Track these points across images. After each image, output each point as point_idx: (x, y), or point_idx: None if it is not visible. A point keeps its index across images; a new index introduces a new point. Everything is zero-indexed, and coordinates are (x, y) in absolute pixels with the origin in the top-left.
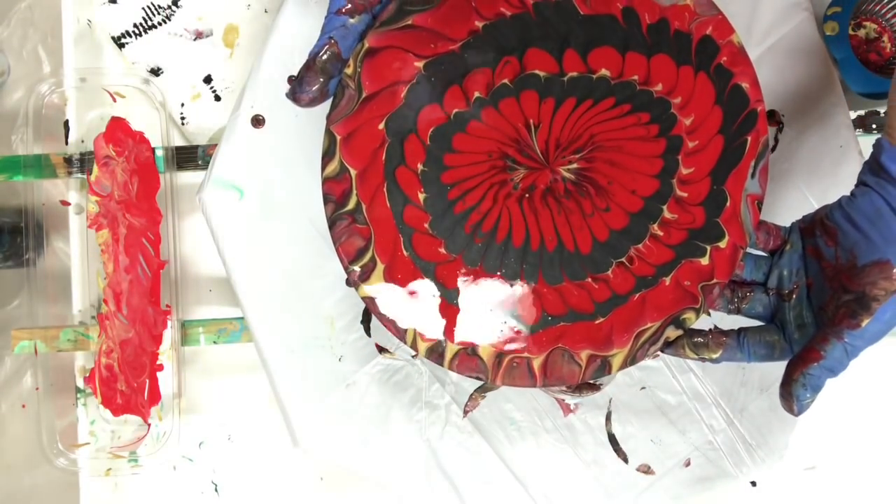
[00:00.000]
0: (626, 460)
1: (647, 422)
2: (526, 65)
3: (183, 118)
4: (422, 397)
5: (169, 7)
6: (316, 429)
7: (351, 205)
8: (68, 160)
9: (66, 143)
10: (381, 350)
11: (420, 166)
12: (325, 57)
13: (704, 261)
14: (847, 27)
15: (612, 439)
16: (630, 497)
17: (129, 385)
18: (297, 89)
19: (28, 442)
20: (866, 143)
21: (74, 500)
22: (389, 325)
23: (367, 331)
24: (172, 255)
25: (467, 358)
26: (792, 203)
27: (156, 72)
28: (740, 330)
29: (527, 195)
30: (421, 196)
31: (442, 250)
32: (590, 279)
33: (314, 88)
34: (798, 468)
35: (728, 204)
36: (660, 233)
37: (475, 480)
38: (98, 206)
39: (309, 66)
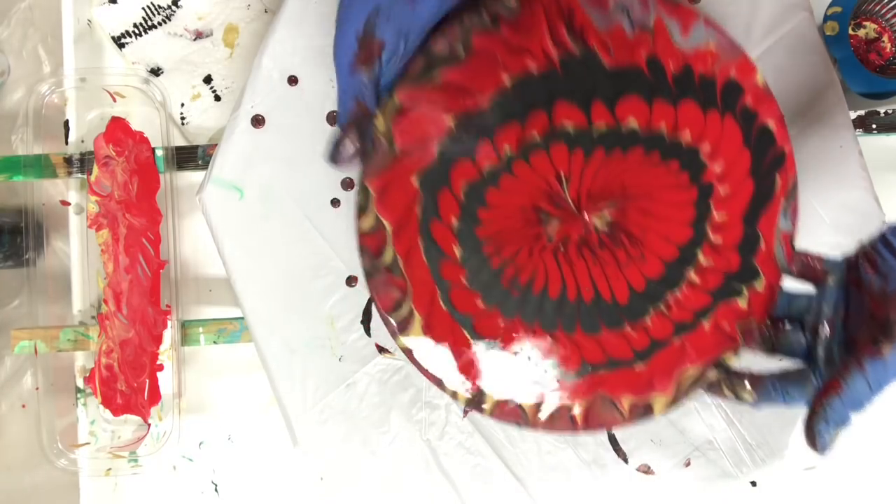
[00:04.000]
0: (626, 460)
1: (647, 422)
2: (554, 118)
3: (183, 118)
4: (422, 397)
5: (169, 7)
6: (316, 429)
7: (387, 258)
8: (68, 160)
9: (66, 143)
10: (381, 350)
11: (454, 221)
12: (358, 121)
13: (742, 302)
14: (847, 27)
15: (612, 439)
16: (630, 497)
17: (129, 385)
18: (337, 155)
19: (28, 442)
20: (866, 143)
21: (74, 500)
22: (429, 374)
23: (367, 331)
24: (172, 255)
25: (508, 408)
26: None
27: (156, 72)
28: (772, 376)
29: (561, 247)
30: (457, 251)
31: (479, 303)
32: (628, 327)
33: (353, 152)
34: (798, 468)
35: (762, 245)
36: (696, 279)
37: (475, 480)
38: (98, 206)
39: (345, 131)
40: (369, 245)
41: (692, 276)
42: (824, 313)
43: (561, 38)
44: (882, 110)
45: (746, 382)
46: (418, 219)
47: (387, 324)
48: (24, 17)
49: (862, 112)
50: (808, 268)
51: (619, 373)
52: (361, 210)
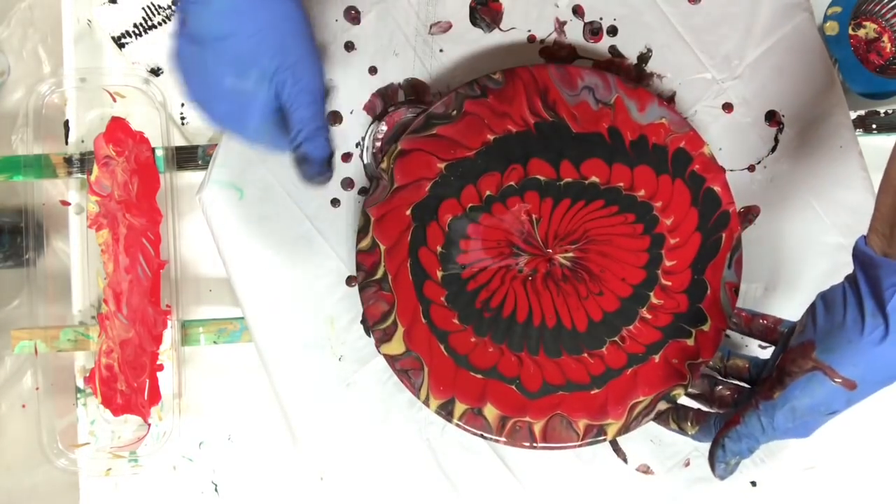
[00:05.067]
0: (625, 460)
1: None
2: (529, 171)
3: (183, 118)
4: None
5: (169, 7)
6: (316, 428)
7: (379, 274)
8: (68, 160)
9: (66, 143)
10: None
11: (439, 248)
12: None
13: (690, 342)
14: (847, 27)
15: (613, 440)
16: (630, 497)
17: (129, 385)
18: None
19: (28, 442)
20: (866, 143)
21: (74, 500)
22: (405, 379)
23: (367, 330)
24: (172, 255)
25: (474, 417)
26: (792, 204)
27: (156, 72)
28: (716, 414)
29: (530, 278)
30: (439, 273)
31: (455, 321)
32: (586, 354)
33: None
34: (798, 468)
35: (708, 292)
36: (648, 316)
37: (475, 480)
38: (98, 206)
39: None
40: (365, 262)
41: (644, 313)
42: (769, 366)
43: (537, 108)
44: (882, 110)
45: (692, 417)
46: (408, 243)
47: (373, 333)
48: (24, 17)
49: (862, 112)
50: (769, 330)
51: (577, 395)
52: (361, 232)
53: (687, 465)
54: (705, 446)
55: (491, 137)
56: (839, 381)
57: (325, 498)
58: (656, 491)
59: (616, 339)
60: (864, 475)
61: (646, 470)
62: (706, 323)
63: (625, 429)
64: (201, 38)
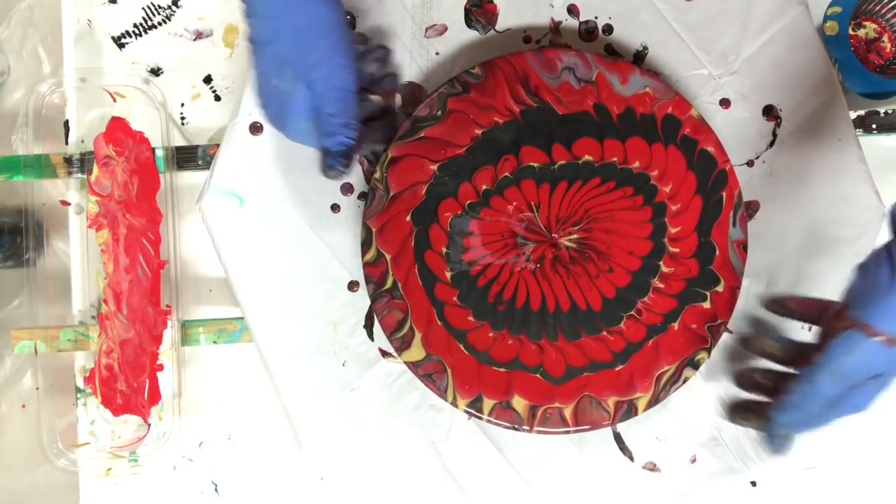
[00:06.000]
0: (631, 459)
1: (653, 419)
2: (522, 159)
3: (183, 118)
4: (426, 400)
5: (169, 7)
6: (321, 434)
7: (388, 284)
8: (68, 160)
9: (66, 143)
10: (385, 354)
11: (444, 249)
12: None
13: (706, 304)
14: (847, 27)
15: (618, 438)
16: (636, 495)
17: (129, 385)
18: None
19: (28, 442)
20: (866, 143)
21: (74, 500)
22: (429, 383)
23: (370, 335)
24: (172, 255)
25: (503, 411)
26: (791, 197)
27: (156, 72)
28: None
29: (538, 265)
30: (448, 274)
31: (471, 318)
32: (605, 332)
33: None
34: (798, 468)
35: (717, 252)
36: (661, 285)
37: (481, 482)
38: (98, 206)
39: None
40: (373, 274)
41: (657, 283)
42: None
43: (520, 96)
44: (882, 110)
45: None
46: (413, 249)
47: (391, 343)
48: (24, 17)
49: (862, 112)
50: (822, 310)
51: (602, 374)
52: (365, 245)
53: (693, 461)
54: (710, 443)
55: (479, 132)
56: (878, 338)
57: (325, 498)
58: (662, 488)
59: (632, 312)
60: (864, 475)
61: (652, 468)
62: (719, 284)
63: (654, 400)
64: (254, 44)
